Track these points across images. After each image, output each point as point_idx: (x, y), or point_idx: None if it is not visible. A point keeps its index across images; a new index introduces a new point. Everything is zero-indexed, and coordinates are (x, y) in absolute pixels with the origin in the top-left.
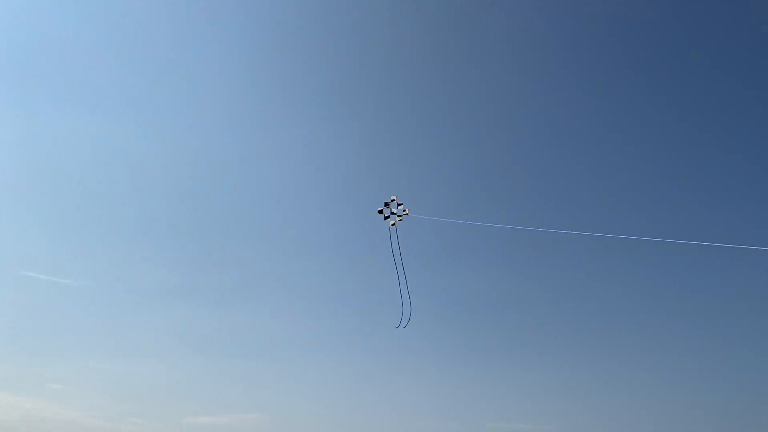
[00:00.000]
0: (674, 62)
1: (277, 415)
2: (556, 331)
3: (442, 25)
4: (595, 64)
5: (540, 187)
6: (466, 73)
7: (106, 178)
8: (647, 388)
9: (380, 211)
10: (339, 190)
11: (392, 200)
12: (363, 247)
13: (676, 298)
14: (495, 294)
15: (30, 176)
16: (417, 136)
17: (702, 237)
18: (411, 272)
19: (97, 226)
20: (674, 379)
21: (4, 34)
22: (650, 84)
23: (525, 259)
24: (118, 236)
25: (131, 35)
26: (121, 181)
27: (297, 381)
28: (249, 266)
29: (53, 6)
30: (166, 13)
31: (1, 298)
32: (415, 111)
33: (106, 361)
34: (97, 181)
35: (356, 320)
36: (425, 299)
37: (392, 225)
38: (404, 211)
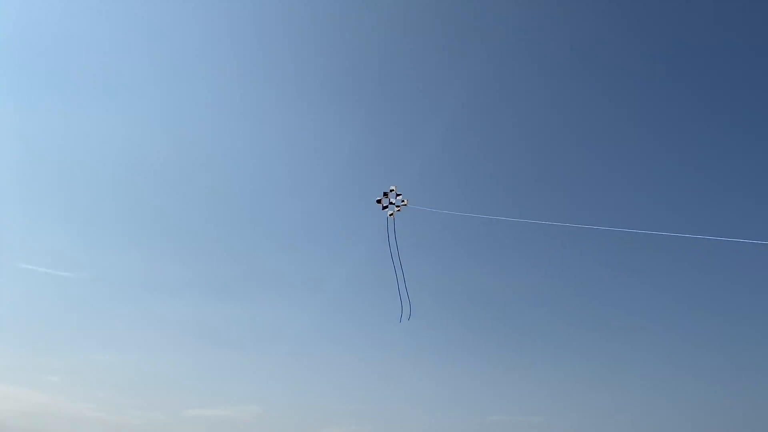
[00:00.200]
0: (685, 59)
1: (277, 408)
2: (559, 324)
3: (445, 13)
4: (599, 55)
5: (544, 180)
6: (471, 65)
7: (105, 171)
8: (649, 382)
9: (378, 201)
10: (341, 182)
11: (391, 190)
12: (363, 240)
13: (678, 294)
14: (498, 287)
15: (28, 169)
16: (422, 128)
17: (705, 231)
18: (415, 264)
19: (95, 218)
20: (675, 374)
21: (7, 28)
22: (653, 80)
23: (529, 252)
24: (116, 229)
25: (134, 29)
26: (120, 174)
27: (296, 374)
28: (248, 259)
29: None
30: (170, 12)
31: (0, 290)
32: (420, 101)
33: (105, 354)
34: (95, 174)
35: (357, 313)
36: (428, 292)
37: (390, 215)
38: (403, 201)
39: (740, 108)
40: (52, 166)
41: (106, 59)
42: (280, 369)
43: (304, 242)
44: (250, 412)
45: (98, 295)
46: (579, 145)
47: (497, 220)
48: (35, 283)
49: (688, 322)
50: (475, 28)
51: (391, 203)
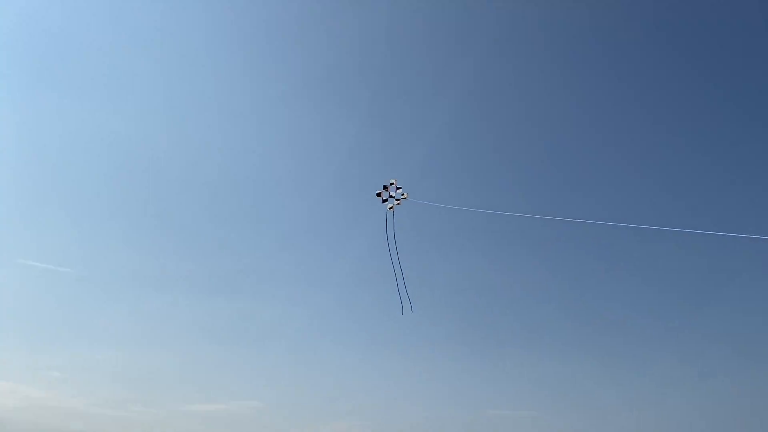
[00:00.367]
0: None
1: (277, 403)
2: (559, 320)
3: (447, 4)
4: (604, 46)
5: (546, 173)
6: (472, 58)
7: (105, 167)
8: (648, 378)
9: (378, 194)
10: (341, 179)
11: (391, 183)
12: (364, 236)
13: (677, 290)
14: (498, 283)
15: (28, 165)
16: (422, 123)
17: (710, 228)
18: (415, 259)
19: (95, 215)
20: (673, 370)
21: (9, 24)
22: (656, 74)
23: (529, 248)
24: (116, 225)
25: (135, 26)
26: (120, 170)
27: (296, 369)
28: (247, 256)
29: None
30: (172, 9)
31: (0, 286)
32: (421, 96)
33: (106, 349)
34: (96, 170)
35: (357, 309)
36: (428, 287)
37: (390, 208)
38: (403, 195)
39: (742, 104)
40: (51, 162)
41: (107, 56)
42: (280, 365)
43: (303, 239)
44: (250, 408)
45: (98, 291)
46: (583, 138)
47: (498, 215)
48: (35, 279)
49: (687, 318)
50: (476, 20)
51: (391, 196)
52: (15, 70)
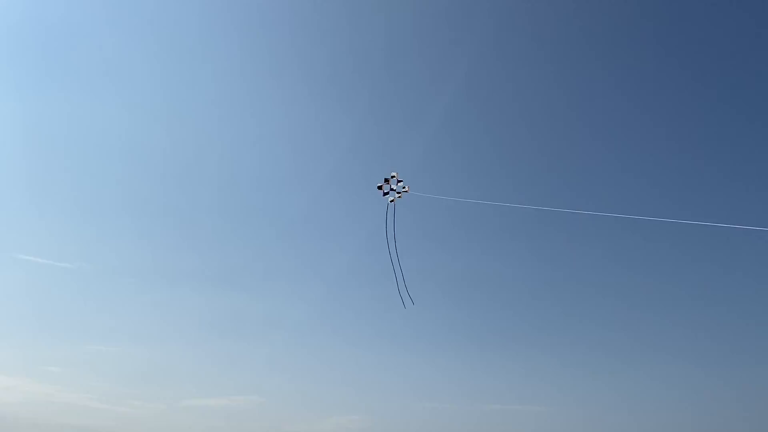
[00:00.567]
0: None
1: (277, 398)
2: (559, 314)
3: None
4: (604, 39)
5: (547, 166)
6: (471, 50)
7: (105, 162)
8: (648, 373)
9: (380, 187)
10: (341, 173)
11: (392, 176)
12: (363, 230)
13: (678, 285)
14: (499, 276)
15: (29, 160)
16: (422, 116)
17: (712, 219)
18: (415, 253)
19: (94, 210)
20: (674, 365)
21: (12, 19)
22: (657, 70)
23: (531, 241)
24: (116, 220)
25: (137, 22)
26: (120, 165)
27: (296, 364)
28: (247, 250)
29: None
30: (174, 4)
31: (0, 281)
32: (421, 89)
33: (104, 344)
34: (96, 165)
35: (357, 303)
36: (428, 281)
37: (391, 201)
38: (404, 188)
39: (744, 101)
40: (53, 157)
41: (110, 51)
42: (280, 359)
43: (303, 233)
44: (250, 402)
45: (98, 287)
46: (584, 130)
47: (499, 209)
48: (35, 275)
49: (688, 313)
50: (473, 13)
51: (392, 189)
52: (15, 65)
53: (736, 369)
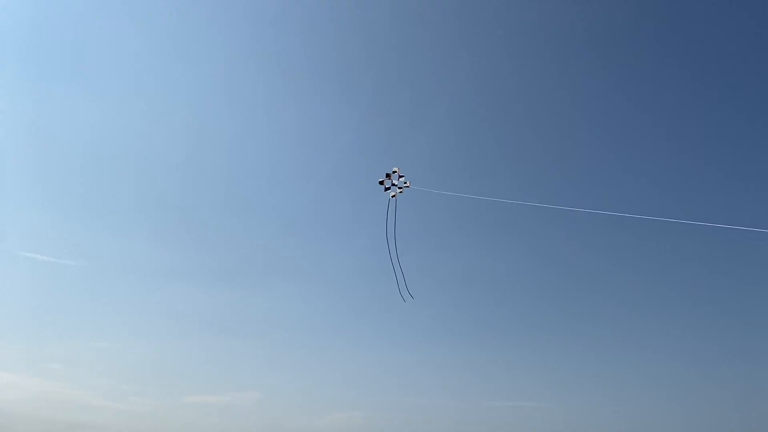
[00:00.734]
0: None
1: (277, 394)
2: (557, 311)
3: None
4: (608, 37)
5: (549, 162)
6: (476, 47)
7: (105, 159)
8: (645, 370)
9: (381, 182)
10: (344, 171)
11: (394, 171)
12: (365, 228)
13: (676, 283)
14: (498, 273)
15: (30, 159)
16: (425, 112)
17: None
18: (415, 249)
19: (95, 207)
20: (671, 362)
21: (12, 17)
22: (659, 67)
23: (530, 238)
24: (117, 218)
25: (139, 19)
26: (122, 163)
27: (296, 360)
28: (248, 247)
29: None
30: (176, 4)
31: (1, 279)
32: (424, 86)
33: (107, 341)
34: (96, 162)
35: (356, 301)
36: (428, 277)
37: (393, 196)
38: (405, 183)
39: (746, 101)
40: (56, 154)
41: (114, 47)
42: (280, 356)
43: (305, 230)
44: (250, 399)
45: (99, 284)
46: (585, 128)
47: (500, 206)
48: (38, 272)
49: (687, 311)
50: (478, 10)
51: (393, 184)
52: (15, 63)
53: (734, 368)
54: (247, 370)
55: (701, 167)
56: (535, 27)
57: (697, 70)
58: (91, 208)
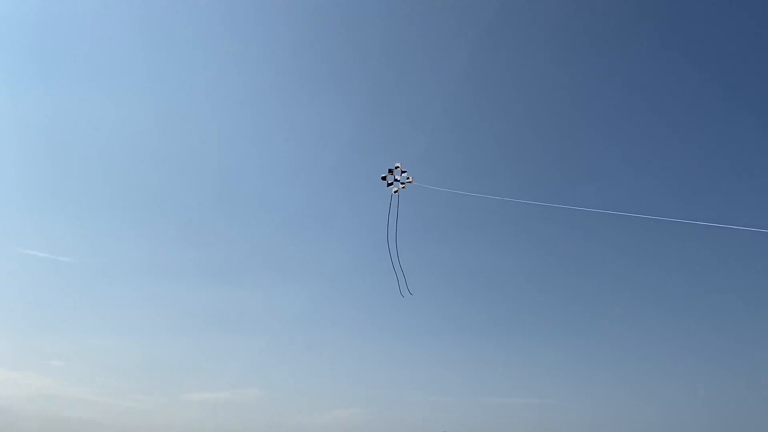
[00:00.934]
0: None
1: (277, 391)
2: (560, 307)
3: None
4: (608, 29)
5: (551, 159)
6: (473, 42)
7: (105, 156)
8: (648, 367)
9: (383, 178)
10: (342, 165)
11: (396, 167)
12: (364, 223)
13: (681, 281)
14: (500, 268)
15: (29, 155)
16: (425, 107)
17: (716, 220)
18: (417, 245)
19: (95, 204)
20: (677, 359)
21: (9, 18)
22: (661, 64)
23: (533, 234)
24: (116, 214)
25: (135, 16)
26: (120, 158)
27: (296, 357)
28: (247, 243)
29: None
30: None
31: (0, 276)
32: (423, 79)
33: (107, 338)
34: (96, 159)
35: (357, 296)
36: (429, 273)
37: (395, 192)
38: (408, 178)
39: (749, 100)
40: (53, 151)
41: (107, 45)
42: (281, 352)
43: (303, 226)
44: (251, 395)
45: (99, 280)
46: (587, 126)
47: (502, 202)
48: (36, 269)
49: (691, 308)
50: (477, 5)
51: (396, 180)
52: (12, 60)
53: (742, 364)
54: (248, 366)
55: (706, 165)
56: (536, 24)
57: (699, 67)
58: (90, 205)
